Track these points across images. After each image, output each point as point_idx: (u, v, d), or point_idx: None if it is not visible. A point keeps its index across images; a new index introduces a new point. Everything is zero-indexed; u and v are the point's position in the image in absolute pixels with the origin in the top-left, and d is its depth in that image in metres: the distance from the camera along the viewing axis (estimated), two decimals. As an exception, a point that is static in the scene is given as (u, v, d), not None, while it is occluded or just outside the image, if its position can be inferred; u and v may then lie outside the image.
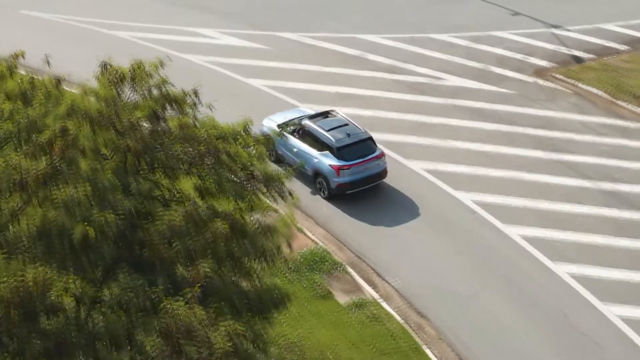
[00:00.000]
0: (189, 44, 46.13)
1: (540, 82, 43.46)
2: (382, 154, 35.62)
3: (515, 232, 34.07)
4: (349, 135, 35.34)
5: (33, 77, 24.81)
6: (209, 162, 23.00)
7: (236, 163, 23.45)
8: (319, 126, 35.76)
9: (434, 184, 36.65)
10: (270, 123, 37.32)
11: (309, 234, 34.33)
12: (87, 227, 20.41)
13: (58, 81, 24.49)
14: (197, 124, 23.99)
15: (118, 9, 49.88)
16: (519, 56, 45.43)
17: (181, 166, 23.18)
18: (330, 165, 34.93)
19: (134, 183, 22.44)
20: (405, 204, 35.66)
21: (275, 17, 49.14)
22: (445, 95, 42.24)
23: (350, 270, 32.95)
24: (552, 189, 36.28)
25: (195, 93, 24.04)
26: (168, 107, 23.50)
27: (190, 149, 22.64)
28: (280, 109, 39.88)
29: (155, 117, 23.56)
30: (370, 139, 35.56)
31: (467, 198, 35.77)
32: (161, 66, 23.97)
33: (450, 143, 38.93)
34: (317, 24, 48.37)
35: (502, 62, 45.01)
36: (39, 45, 47.52)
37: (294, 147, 36.10)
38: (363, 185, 35.30)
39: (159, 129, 23.11)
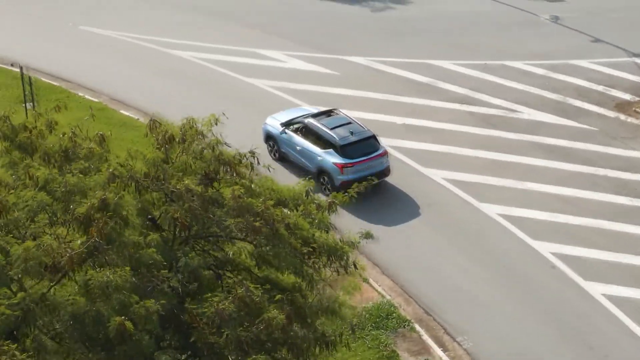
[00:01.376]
0: (253, 66, 43.03)
1: (623, 117, 39.70)
2: (386, 152, 34.94)
3: (598, 290, 30.53)
4: (352, 133, 34.72)
5: (75, 133, 21.61)
6: (265, 237, 19.96)
7: (296, 237, 20.37)
8: (322, 124, 35.22)
9: (509, 230, 33.17)
10: (274, 121, 36.59)
11: (375, 285, 31.13)
12: (125, 321, 17.46)
13: (102, 137, 21.42)
14: (253, 186, 21.04)
15: (180, 27, 46.92)
16: (599, 88, 41.62)
17: (235, 236, 20.21)
18: (334, 163, 34.28)
19: (182, 257, 19.46)
20: (477, 253, 32.27)
21: (343, 39, 45.89)
22: (520, 130, 38.67)
23: (418, 328, 29.72)
24: (638, 241, 32.72)
25: (253, 154, 21.03)
26: (222, 170, 20.53)
27: (245, 224, 19.58)
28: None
29: (207, 180, 20.59)
30: (374, 137, 34.86)
31: (545, 249, 32.25)
32: (215, 123, 20.96)
33: (526, 185, 35.39)
34: (386, 47, 45.04)
35: (582, 94, 41.28)
36: (98, 65, 45.12)
37: (298, 145, 35.49)
38: None
39: (211, 196, 20.10)
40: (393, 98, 40.89)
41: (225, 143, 20.65)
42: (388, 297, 30.62)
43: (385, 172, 34.74)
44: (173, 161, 20.47)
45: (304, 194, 21.45)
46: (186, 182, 19.45)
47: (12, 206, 18.78)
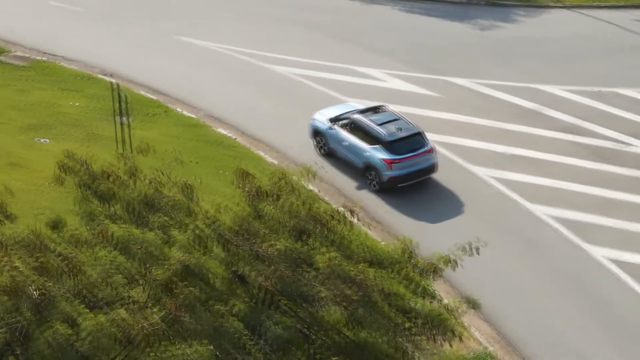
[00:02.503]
0: (353, 85, 40.81)
1: None
2: (433, 149, 34.41)
3: None
4: (400, 129, 34.29)
5: (160, 181, 19.61)
6: (359, 306, 17.79)
7: (392, 305, 18.15)
8: (370, 120, 34.79)
9: (619, 278, 30.41)
10: (321, 117, 36.29)
11: (475, 332, 28.70)
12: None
13: (189, 187, 19.36)
14: (346, 241, 18.89)
15: (277, 40, 44.90)
16: None
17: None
18: (382, 159, 33.83)
19: (267, 323, 17.38)
20: (581, 300, 29.60)
21: (447, 58, 43.38)
22: (633, 166, 35.76)
23: (521, 385, 27.30)
24: None
25: (352, 212, 18.84)
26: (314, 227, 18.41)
27: (337, 292, 17.44)
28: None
29: (298, 236, 18.49)
30: (421, 133, 34.44)
31: (659, 301, 29.55)
32: (312, 177, 18.82)
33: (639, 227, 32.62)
34: (491, 68, 42.43)
35: (702, 128, 38.23)
36: (194, 78, 43.29)
37: (345, 141, 35.10)
38: (413, 179, 34.15)
39: (301, 257, 17.99)
40: (497, 125, 38.32)
41: (321, 198, 18.51)
42: (490, 348, 28.14)
43: (432, 168, 34.35)
44: (263, 216, 18.41)
45: (405, 256, 19.18)
46: (276, 245, 17.36)
47: (86, 267, 16.92)
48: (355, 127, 34.99)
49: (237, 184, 19.27)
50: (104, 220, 18.02)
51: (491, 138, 37.39)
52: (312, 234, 18.41)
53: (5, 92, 40.58)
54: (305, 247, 18.46)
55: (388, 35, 45.63)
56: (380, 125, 34.40)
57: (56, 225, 18.37)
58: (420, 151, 34.01)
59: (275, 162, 36.08)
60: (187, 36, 45.09)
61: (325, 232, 18.34)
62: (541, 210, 33.47)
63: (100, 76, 42.20)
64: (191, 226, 17.61)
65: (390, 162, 33.63)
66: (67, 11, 47.77)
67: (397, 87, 40.95)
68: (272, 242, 17.48)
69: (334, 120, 35.78)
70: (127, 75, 42.23)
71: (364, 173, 34.43)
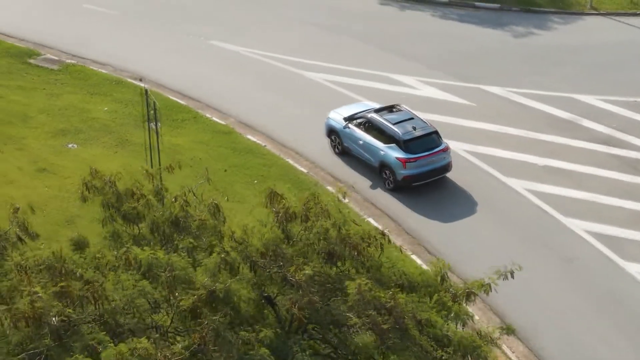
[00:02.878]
0: (386, 93, 40.00)
1: None
2: (447, 148, 34.36)
3: None
4: (415, 128, 34.21)
5: (187, 201, 18.92)
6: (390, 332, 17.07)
7: (424, 334, 17.41)
8: (385, 119, 34.74)
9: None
10: (337, 116, 36.33)
11: (508, 352, 27.87)
12: None
13: (217, 207, 18.69)
14: (380, 266, 18.17)
15: (310, 46, 44.22)
16: None
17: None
18: (397, 158, 33.84)
19: (297, 353, 16.69)
20: (622, 322, 28.70)
21: (481, 65, 42.54)
22: (672, 179, 34.91)
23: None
24: None
25: (383, 234, 18.10)
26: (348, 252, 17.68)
27: (370, 321, 16.71)
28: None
29: (330, 260, 17.79)
30: (436, 132, 34.37)
31: (697, 322, 28.60)
32: (344, 197, 18.11)
33: (680, 244, 31.69)
34: (526, 77, 41.53)
35: None
36: (226, 83, 42.61)
37: (360, 140, 35.11)
38: (428, 178, 34.10)
39: (333, 285, 17.28)
40: (532, 135, 37.43)
41: (354, 221, 17.78)
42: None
43: (447, 167, 34.35)
44: (293, 240, 17.72)
45: (439, 279, 18.44)
46: (307, 271, 16.67)
47: (109, 293, 16.29)
48: (370, 126, 35.02)
49: (266, 203, 18.54)
50: (128, 243, 17.37)
51: (525, 149, 36.53)
52: (343, 257, 17.72)
53: (36, 96, 40.17)
54: (336, 270, 17.78)
55: (422, 41, 44.84)
56: (395, 124, 34.38)
57: (79, 245, 17.77)
58: (435, 150, 33.98)
59: (305, 170, 35.44)
60: (220, 40, 44.52)
61: (356, 255, 17.62)
62: (576, 224, 32.58)
63: (130, 80, 41.66)
64: (217, 249, 16.95)
65: (405, 161, 33.62)
66: (100, 14, 47.31)
67: (430, 95, 40.16)
68: (301, 267, 16.80)
69: (349, 119, 35.81)
70: (158, 79, 41.68)
71: (379, 172, 34.48)
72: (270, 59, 42.96)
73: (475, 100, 39.76)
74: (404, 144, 33.87)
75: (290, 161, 36.19)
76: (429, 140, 34.11)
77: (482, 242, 31.75)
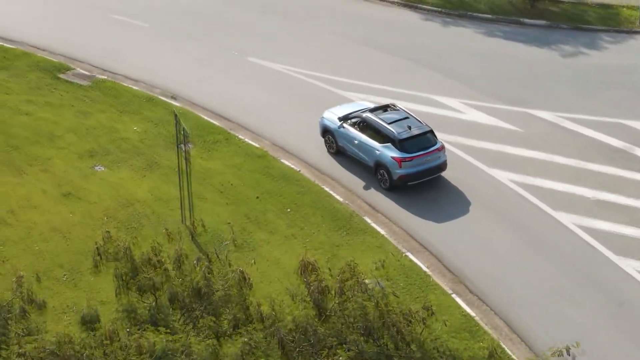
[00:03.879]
0: (429, 116, 37.59)
1: None
2: (442, 147, 33.86)
3: None
4: (410, 127, 33.70)
5: (211, 268, 16.76)
6: None
7: None
8: (380, 119, 34.23)
9: None
10: (331, 116, 35.83)
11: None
12: None
13: (243, 276, 16.52)
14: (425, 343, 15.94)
15: (350, 64, 42.00)
16: None
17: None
18: (392, 157, 33.40)
19: None
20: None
21: (528, 88, 40.06)
22: None
23: None
24: None
25: (428, 309, 15.90)
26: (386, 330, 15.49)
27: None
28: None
29: (368, 336, 15.60)
30: (431, 131, 33.89)
31: None
32: (382, 266, 15.92)
33: None
34: (575, 100, 39.04)
35: None
36: (262, 102, 40.30)
37: (355, 139, 34.66)
38: (424, 177, 33.67)
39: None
40: (582, 165, 34.98)
41: (394, 293, 15.59)
42: None
43: (442, 166, 33.92)
44: (327, 313, 15.58)
45: (486, 356, 16.22)
46: (340, 357, 14.50)
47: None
48: (365, 126, 34.52)
49: (298, 274, 16.40)
50: (142, 317, 15.27)
51: (575, 180, 34.09)
52: (382, 334, 15.58)
53: (66, 114, 38.26)
54: (374, 347, 15.61)
55: (467, 60, 42.47)
56: (390, 123, 33.89)
57: (90, 321, 15.70)
58: (430, 149, 33.53)
59: (341, 199, 33.25)
60: (258, 57, 42.45)
61: (397, 332, 15.47)
62: (628, 264, 30.17)
63: (162, 98, 39.69)
64: (243, 331, 14.81)
65: (400, 161, 33.14)
66: (130, 25, 45.42)
67: (474, 119, 37.81)
68: (334, 351, 14.66)
69: (344, 118, 35.31)
70: (191, 97, 39.71)
71: (374, 172, 34.05)
72: (309, 77, 40.81)
73: (522, 126, 37.34)
74: (400, 143, 33.39)
75: (326, 188, 34.01)
76: (425, 140, 33.63)
77: (531, 283, 29.39)
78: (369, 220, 32.08)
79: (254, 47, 43.30)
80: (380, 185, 33.88)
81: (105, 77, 41.13)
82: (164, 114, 38.22)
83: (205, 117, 38.28)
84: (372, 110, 35.04)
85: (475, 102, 38.85)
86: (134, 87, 40.46)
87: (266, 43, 43.87)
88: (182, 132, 30.73)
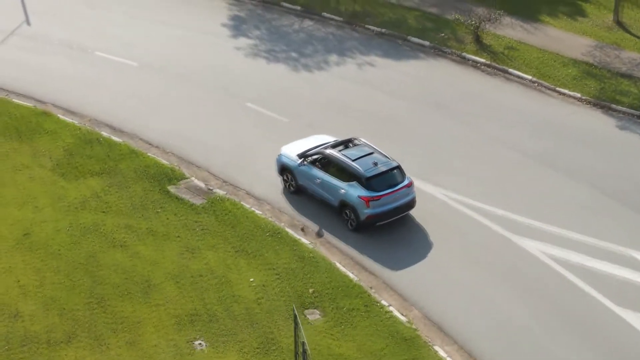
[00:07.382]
0: (630, 286, 27.65)
1: None
2: (411, 183, 30.99)
3: None
4: (376, 164, 30.80)
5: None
6: None
7: None
8: (344, 155, 31.21)
9: None
10: (289, 152, 32.51)
11: None
12: None
13: None
14: None
15: (530, 194, 32.19)
16: None
17: None
18: (359, 197, 30.37)
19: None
20: None
21: None
22: None
23: None
24: None
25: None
26: None
27: None
28: None
29: None
30: (399, 167, 31.01)
31: None
32: None
33: None
34: None
35: None
36: (412, 246, 29.72)
37: (318, 178, 31.55)
38: (393, 216, 30.63)
39: None
40: None
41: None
42: None
43: (411, 203, 30.95)
44: None
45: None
46: None
47: None
48: (328, 163, 31.50)
49: None
50: None
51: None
52: None
53: (169, 251, 29.67)
54: None
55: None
56: (355, 160, 30.93)
57: None
58: (399, 186, 30.58)
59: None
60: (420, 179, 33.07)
61: None
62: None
63: (289, 231, 30.77)
64: None
65: (368, 200, 30.14)
66: (265, 117, 36.70)
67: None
68: None
69: (304, 155, 32.01)
70: (317, 226, 30.88)
71: (339, 212, 30.96)
72: (470, 209, 31.26)
73: None
74: (367, 181, 30.33)
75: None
76: (393, 176, 30.72)
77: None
78: None
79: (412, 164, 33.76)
80: (347, 226, 30.68)
81: (224, 194, 32.39)
82: (291, 258, 29.33)
83: (342, 269, 29.18)
84: (333, 146, 31.72)
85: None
86: (257, 212, 31.59)
87: (425, 154, 34.44)
88: (302, 346, 21.71)
